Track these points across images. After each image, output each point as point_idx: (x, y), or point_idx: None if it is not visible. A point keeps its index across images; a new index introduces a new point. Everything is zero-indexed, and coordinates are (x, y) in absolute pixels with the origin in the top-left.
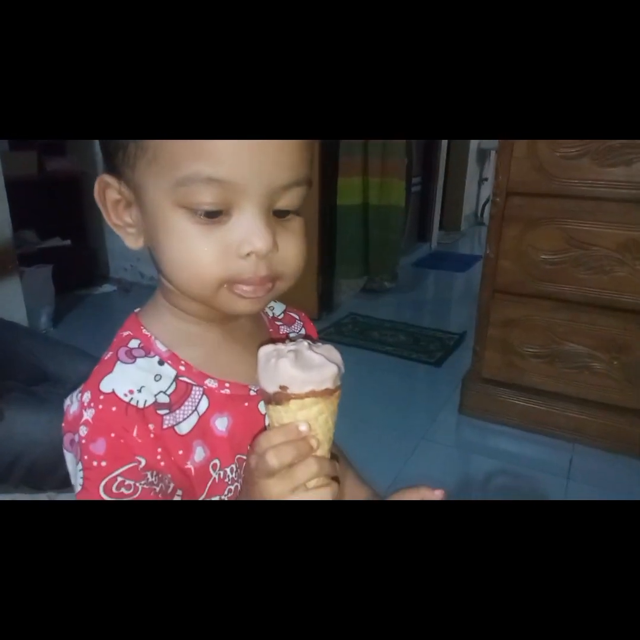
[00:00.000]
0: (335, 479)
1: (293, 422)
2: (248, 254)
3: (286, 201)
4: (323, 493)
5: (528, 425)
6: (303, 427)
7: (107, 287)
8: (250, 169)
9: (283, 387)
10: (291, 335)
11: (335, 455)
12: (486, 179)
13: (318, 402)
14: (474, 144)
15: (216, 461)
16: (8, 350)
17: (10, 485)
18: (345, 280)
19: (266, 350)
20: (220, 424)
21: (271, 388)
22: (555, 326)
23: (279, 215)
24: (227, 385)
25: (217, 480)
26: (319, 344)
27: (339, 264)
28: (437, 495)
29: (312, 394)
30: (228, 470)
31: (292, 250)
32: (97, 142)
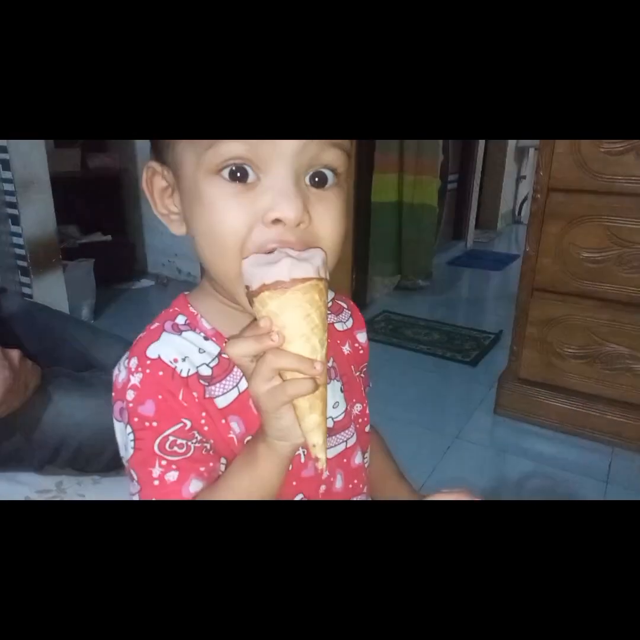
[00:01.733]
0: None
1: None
2: (275, 222)
3: (321, 163)
4: (287, 385)
5: (566, 427)
6: (264, 322)
7: (145, 282)
8: None
9: (247, 288)
10: (337, 325)
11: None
12: (524, 177)
13: (274, 297)
14: (511, 141)
15: (250, 438)
16: (56, 337)
17: (56, 467)
18: (379, 278)
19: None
20: None
21: (242, 290)
22: (596, 326)
23: (316, 184)
24: None
25: None
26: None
27: (373, 261)
28: None
29: (264, 287)
30: None
31: (327, 224)
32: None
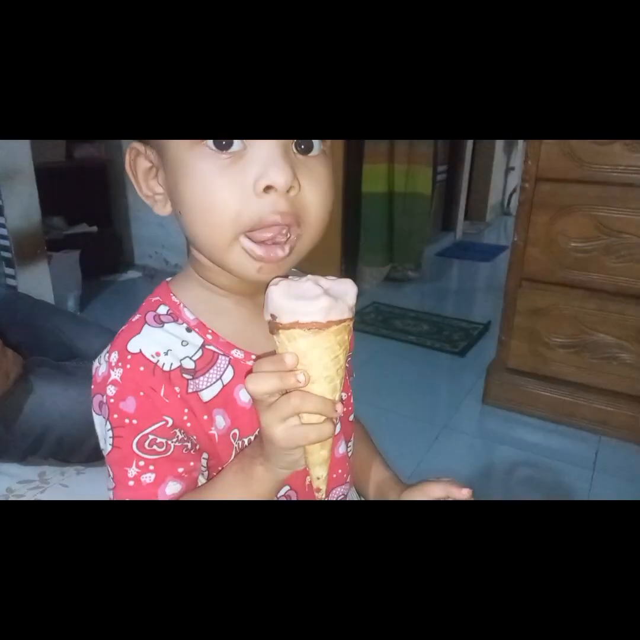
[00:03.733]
0: (335, 420)
1: (283, 353)
2: (266, 190)
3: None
4: (309, 430)
5: (553, 416)
6: (288, 359)
7: (132, 274)
8: None
9: (273, 316)
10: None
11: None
12: (513, 168)
13: (306, 335)
14: None
15: (236, 431)
16: (38, 327)
17: (39, 458)
18: (368, 269)
19: (273, 281)
20: (244, 395)
21: (266, 316)
22: (583, 316)
23: (303, 150)
24: (253, 357)
25: (237, 450)
26: (337, 279)
27: (363, 251)
28: (464, 494)
29: (297, 325)
30: (246, 440)
31: (316, 192)
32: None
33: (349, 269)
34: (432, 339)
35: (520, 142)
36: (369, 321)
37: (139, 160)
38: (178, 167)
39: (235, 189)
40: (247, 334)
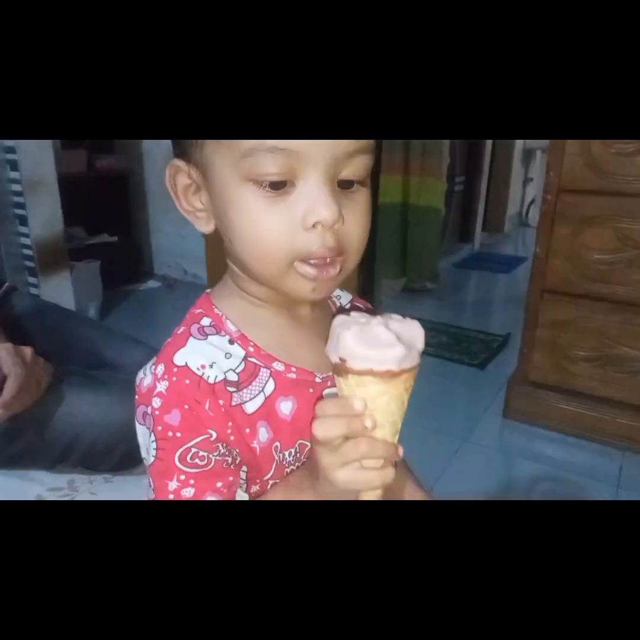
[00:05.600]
0: (396, 463)
1: (350, 396)
2: (314, 225)
3: (351, 170)
4: (374, 476)
5: (576, 431)
6: (358, 405)
7: (151, 283)
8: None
9: (343, 360)
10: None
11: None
12: (531, 179)
13: (377, 383)
14: (519, 143)
15: (277, 443)
16: (66, 336)
17: (67, 465)
18: (385, 280)
19: (339, 318)
20: (285, 407)
21: (334, 358)
22: (607, 329)
23: (344, 186)
24: (293, 369)
25: (278, 462)
26: (403, 319)
27: (379, 263)
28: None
29: (370, 372)
30: (286, 453)
31: (357, 224)
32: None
33: (366, 281)
34: (451, 351)
35: (539, 152)
36: None
37: (179, 177)
38: (226, 196)
39: (285, 225)
40: (286, 346)
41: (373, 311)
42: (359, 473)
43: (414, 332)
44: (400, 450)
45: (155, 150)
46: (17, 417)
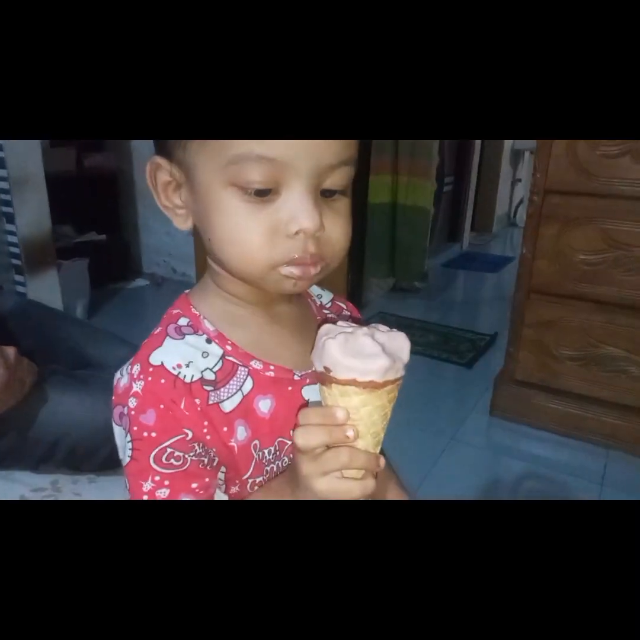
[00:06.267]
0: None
1: (333, 406)
2: (296, 233)
3: (333, 181)
4: (354, 486)
5: (561, 429)
6: (340, 414)
7: (140, 282)
8: (300, 148)
9: (327, 369)
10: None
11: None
12: (520, 180)
13: (360, 393)
14: (507, 144)
15: (256, 442)
16: (51, 335)
17: (52, 466)
18: (374, 280)
19: (326, 327)
20: (263, 405)
21: (318, 367)
22: (592, 328)
23: (326, 195)
24: (271, 367)
25: (257, 461)
26: (390, 330)
27: (368, 262)
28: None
29: (354, 383)
30: (266, 451)
31: (338, 231)
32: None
33: (355, 280)
34: (439, 349)
35: (527, 154)
36: None
37: (159, 173)
38: (208, 198)
39: (268, 231)
40: (264, 344)
41: (354, 311)
42: (339, 483)
43: (400, 344)
44: (382, 461)
45: (145, 149)
46: (0, 417)
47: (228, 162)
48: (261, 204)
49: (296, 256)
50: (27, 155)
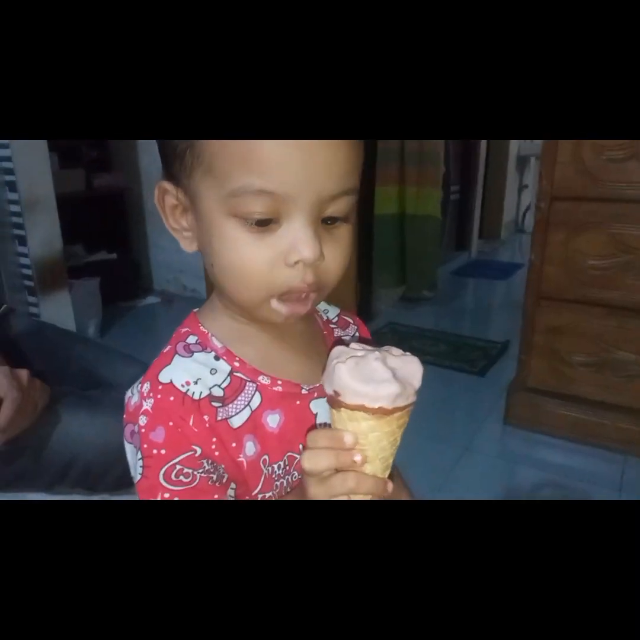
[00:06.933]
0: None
1: (341, 430)
2: (296, 263)
3: (334, 210)
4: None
5: (577, 436)
6: (348, 439)
7: (150, 299)
8: (300, 180)
9: (336, 393)
10: (345, 339)
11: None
12: (526, 186)
13: (369, 419)
14: (513, 150)
15: (266, 457)
16: (63, 356)
17: (65, 487)
18: (383, 290)
19: (337, 350)
20: (272, 420)
21: (328, 390)
22: (604, 333)
23: (328, 222)
24: (279, 382)
25: (267, 476)
26: (403, 354)
27: (377, 273)
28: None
29: (363, 408)
30: (276, 466)
31: (337, 259)
32: (141, 159)
33: (364, 291)
34: (450, 358)
35: (533, 159)
36: (385, 341)
37: (166, 197)
38: (211, 226)
39: (267, 259)
40: (271, 360)
41: (362, 325)
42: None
43: (412, 370)
44: (390, 486)
45: (153, 168)
46: (14, 439)
47: (229, 195)
48: (262, 233)
49: (294, 285)
50: (37, 178)
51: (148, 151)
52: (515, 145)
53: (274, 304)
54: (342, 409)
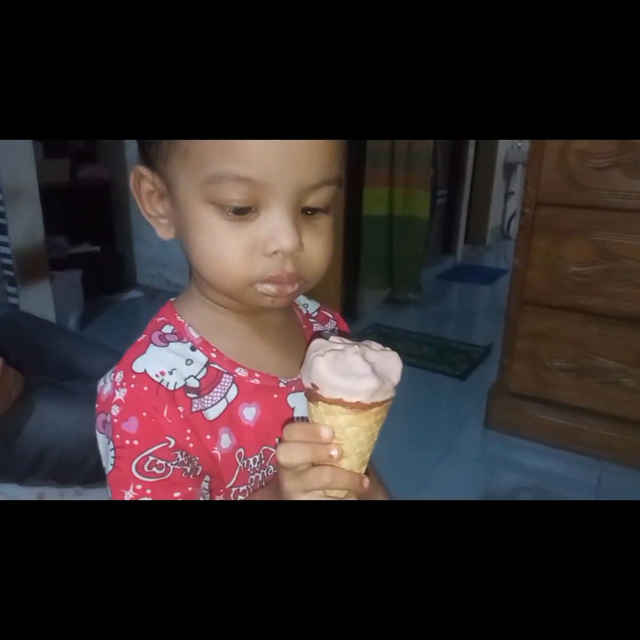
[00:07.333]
0: (363, 494)
1: (318, 424)
2: (274, 253)
3: (315, 200)
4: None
5: (555, 441)
6: (325, 433)
7: (133, 293)
8: (279, 168)
9: (314, 386)
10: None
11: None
12: (513, 193)
13: (346, 413)
14: (500, 157)
15: (241, 450)
16: (39, 346)
17: (37, 478)
18: (369, 291)
19: (316, 342)
20: (248, 413)
21: (306, 383)
22: (584, 340)
23: (308, 213)
24: (257, 375)
25: (242, 469)
26: (383, 349)
27: (363, 274)
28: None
29: (340, 402)
30: (251, 460)
31: (318, 250)
32: (127, 151)
33: (349, 291)
34: (433, 361)
35: (520, 166)
36: None
37: (142, 183)
38: (188, 214)
39: (245, 249)
40: (250, 352)
41: (341, 320)
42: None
43: (391, 365)
44: (366, 482)
45: (138, 159)
46: None
47: (206, 181)
48: (240, 221)
49: (272, 275)
50: (20, 166)
51: (134, 144)
52: (502, 153)
53: (260, 286)
54: (320, 402)
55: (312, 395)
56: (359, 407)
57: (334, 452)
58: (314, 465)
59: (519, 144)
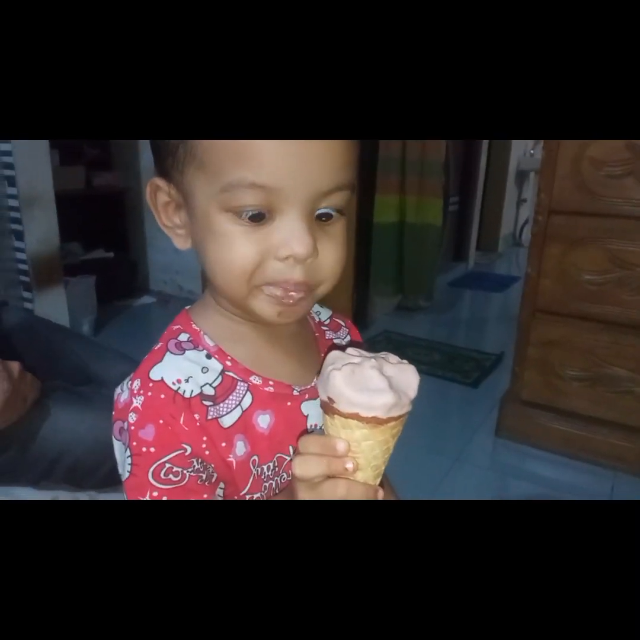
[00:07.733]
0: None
1: (334, 437)
2: (286, 258)
3: (329, 204)
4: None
5: (567, 451)
6: (340, 446)
7: (146, 299)
8: (293, 174)
9: (330, 399)
10: (336, 341)
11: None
12: (525, 200)
13: (363, 427)
14: (512, 164)
15: (255, 457)
16: (55, 351)
17: (52, 482)
18: (379, 298)
19: (333, 355)
20: (263, 421)
21: (322, 396)
22: (597, 348)
23: (322, 219)
24: (271, 383)
25: (256, 477)
26: (400, 362)
27: (374, 281)
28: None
29: (356, 417)
30: (265, 467)
31: (331, 256)
32: (141, 159)
33: (360, 299)
34: (444, 369)
35: (532, 174)
36: (380, 350)
37: (159, 194)
38: (204, 221)
39: (257, 253)
40: (263, 360)
41: (353, 329)
42: None
43: (408, 379)
44: (381, 493)
45: (153, 168)
46: (2, 432)
47: (222, 190)
48: (256, 227)
49: (281, 279)
50: (37, 174)
51: (149, 151)
52: (514, 160)
53: (266, 289)
54: (336, 416)
55: (329, 408)
56: (375, 421)
57: (349, 465)
58: (329, 477)
59: (532, 151)
